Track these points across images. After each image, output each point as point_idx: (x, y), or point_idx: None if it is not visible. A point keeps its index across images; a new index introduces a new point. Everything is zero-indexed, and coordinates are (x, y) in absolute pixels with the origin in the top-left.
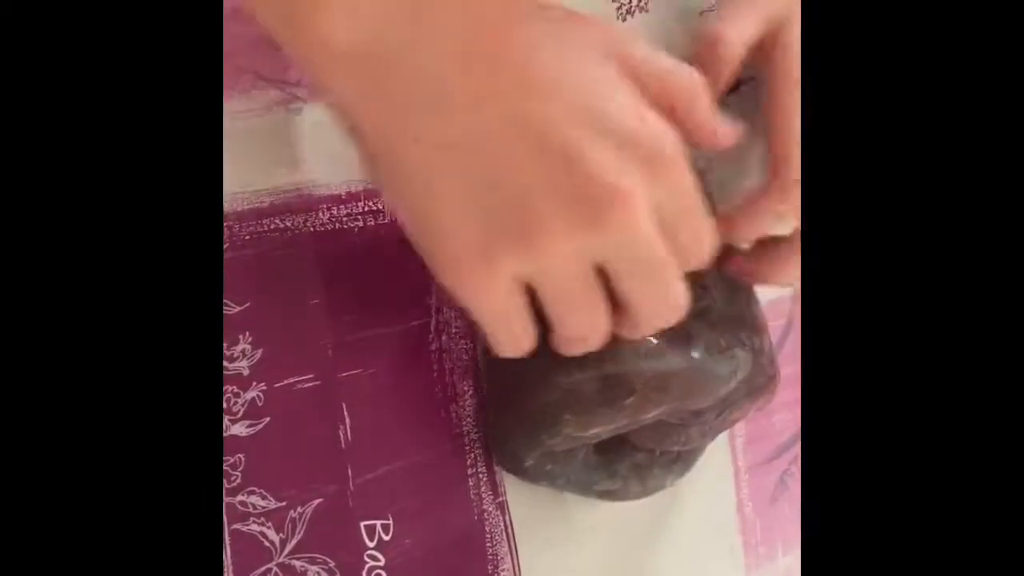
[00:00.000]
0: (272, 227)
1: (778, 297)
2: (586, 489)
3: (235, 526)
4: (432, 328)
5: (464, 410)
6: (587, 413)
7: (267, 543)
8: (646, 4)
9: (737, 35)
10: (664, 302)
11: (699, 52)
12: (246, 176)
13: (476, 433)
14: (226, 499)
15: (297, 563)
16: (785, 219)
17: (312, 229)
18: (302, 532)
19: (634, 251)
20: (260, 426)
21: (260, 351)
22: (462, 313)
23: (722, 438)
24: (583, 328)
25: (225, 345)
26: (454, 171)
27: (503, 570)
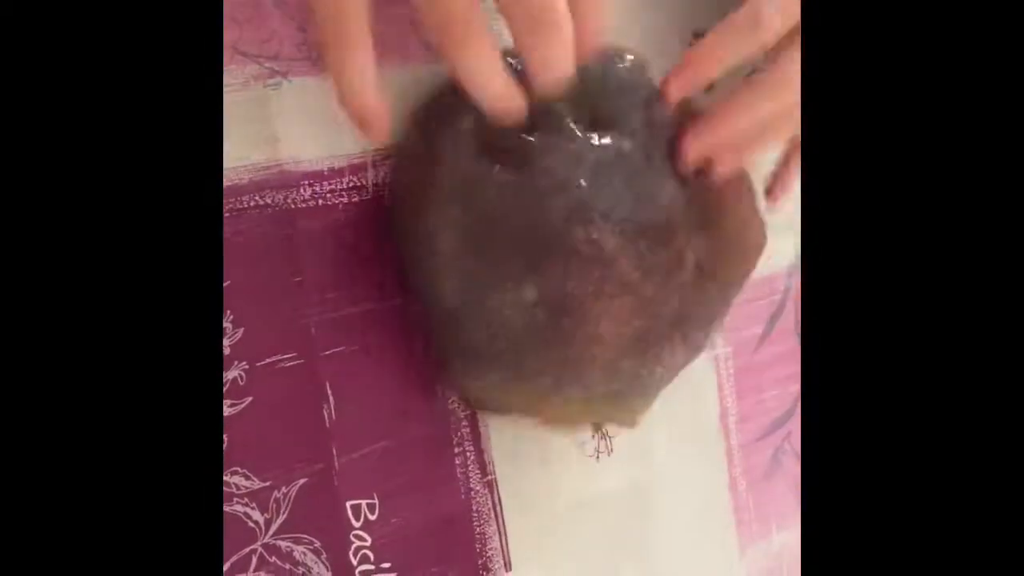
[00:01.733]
0: (252, 204)
1: (772, 273)
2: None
3: None
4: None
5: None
6: None
7: (251, 523)
8: None
9: None
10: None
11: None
12: (224, 153)
13: (463, 410)
14: None
15: (282, 543)
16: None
17: (294, 206)
18: (287, 512)
19: None
20: (242, 405)
21: (241, 330)
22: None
23: (713, 417)
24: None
25: None
26: None
27: (491, 549)
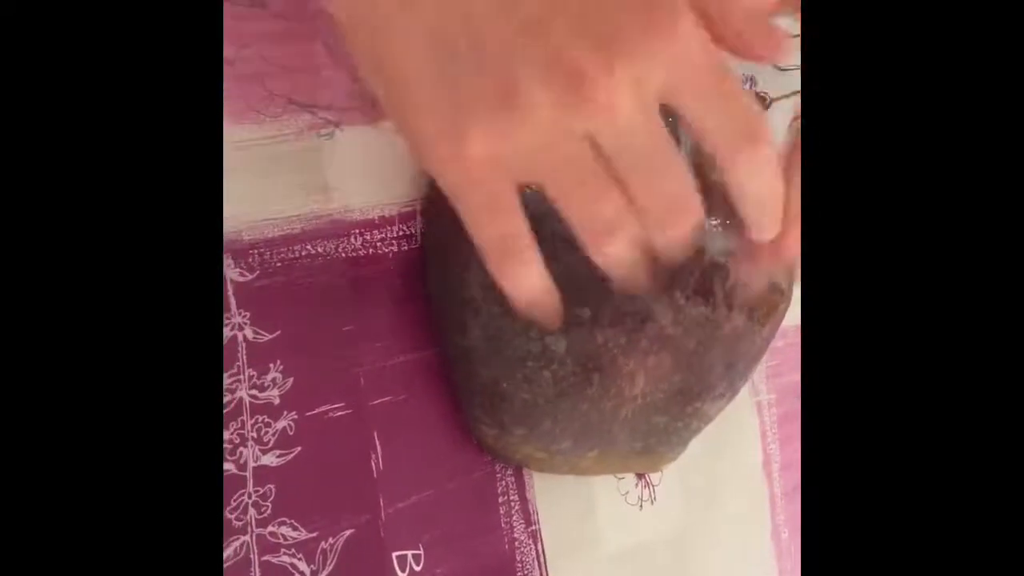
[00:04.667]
0: (304, 253)
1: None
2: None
3: (265, 557)
4: None
5: None
6: None
7: (297, 575)
8: None
9: None
10: (662, 192)
11: None
12: (277, 202)
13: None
14: (256, 530)
15: None
16: None
17: (344, 255)
18: (333, 563)
19: (620, 130)
20: (291, 456)
21: (291, 380)
22: None
23: (756, 464)
24: (596, 204)
25: (256, 374)
26: (429, 38)
27: None
